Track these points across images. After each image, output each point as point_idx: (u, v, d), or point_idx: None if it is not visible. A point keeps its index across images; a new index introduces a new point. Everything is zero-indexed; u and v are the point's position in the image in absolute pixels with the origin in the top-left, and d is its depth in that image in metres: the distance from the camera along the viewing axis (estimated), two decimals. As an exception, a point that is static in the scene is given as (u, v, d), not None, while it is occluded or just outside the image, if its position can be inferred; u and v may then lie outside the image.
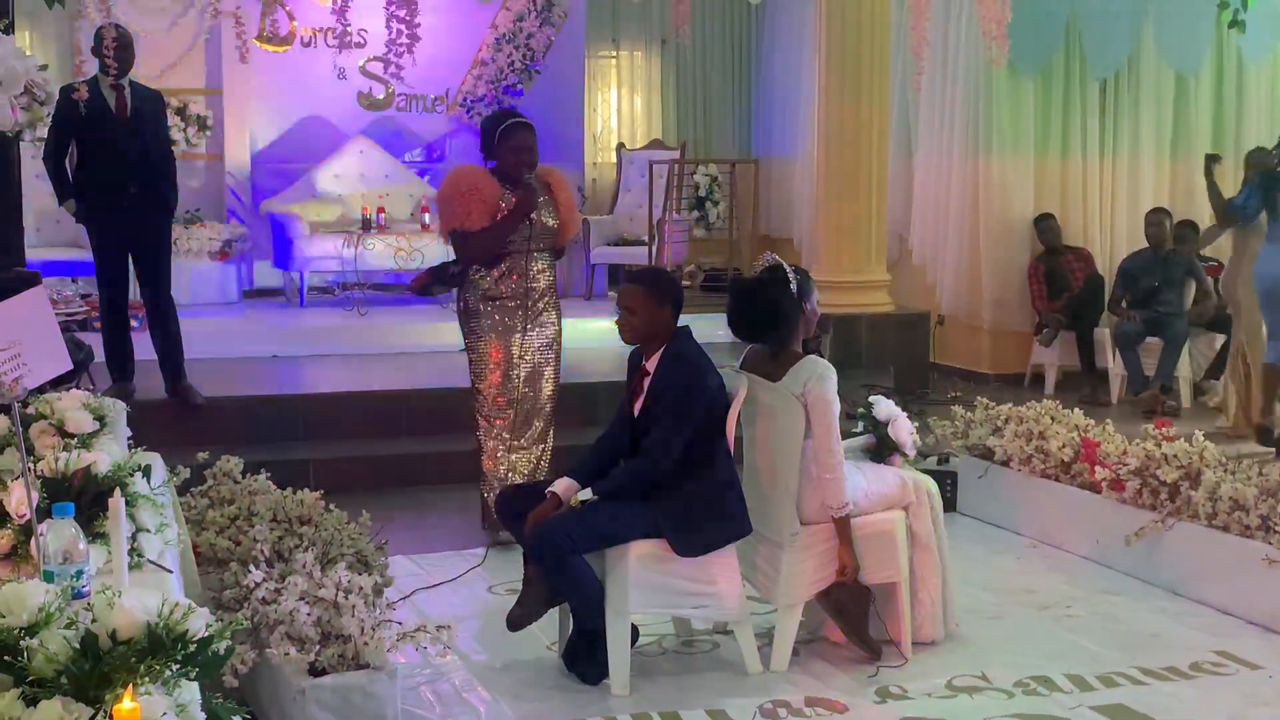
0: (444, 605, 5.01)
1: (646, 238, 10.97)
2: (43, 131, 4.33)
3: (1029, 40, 9.25)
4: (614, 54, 12.82)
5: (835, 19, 9.04)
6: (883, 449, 4.93)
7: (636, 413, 4.43)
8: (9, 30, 4.58)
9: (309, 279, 10.75)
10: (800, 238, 11.54)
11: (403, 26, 11.38)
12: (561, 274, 11.45)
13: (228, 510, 4.65)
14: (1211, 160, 8.44)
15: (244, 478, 4.91)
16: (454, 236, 5.77)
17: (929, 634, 4.65)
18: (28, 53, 4.26)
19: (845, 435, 4.64)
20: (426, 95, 11.49)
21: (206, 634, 2.27)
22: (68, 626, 2.24)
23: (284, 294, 10.98)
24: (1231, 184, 10.11)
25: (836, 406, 4.42)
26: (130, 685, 2.09)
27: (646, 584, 4.25)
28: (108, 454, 3.40)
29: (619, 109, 12.92)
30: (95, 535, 3.02)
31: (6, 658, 2.17)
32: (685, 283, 10.66)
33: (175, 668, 2.21)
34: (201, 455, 5.00)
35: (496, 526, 5.87)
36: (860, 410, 5.08)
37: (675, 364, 4.34)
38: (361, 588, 3.76)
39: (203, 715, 2.26)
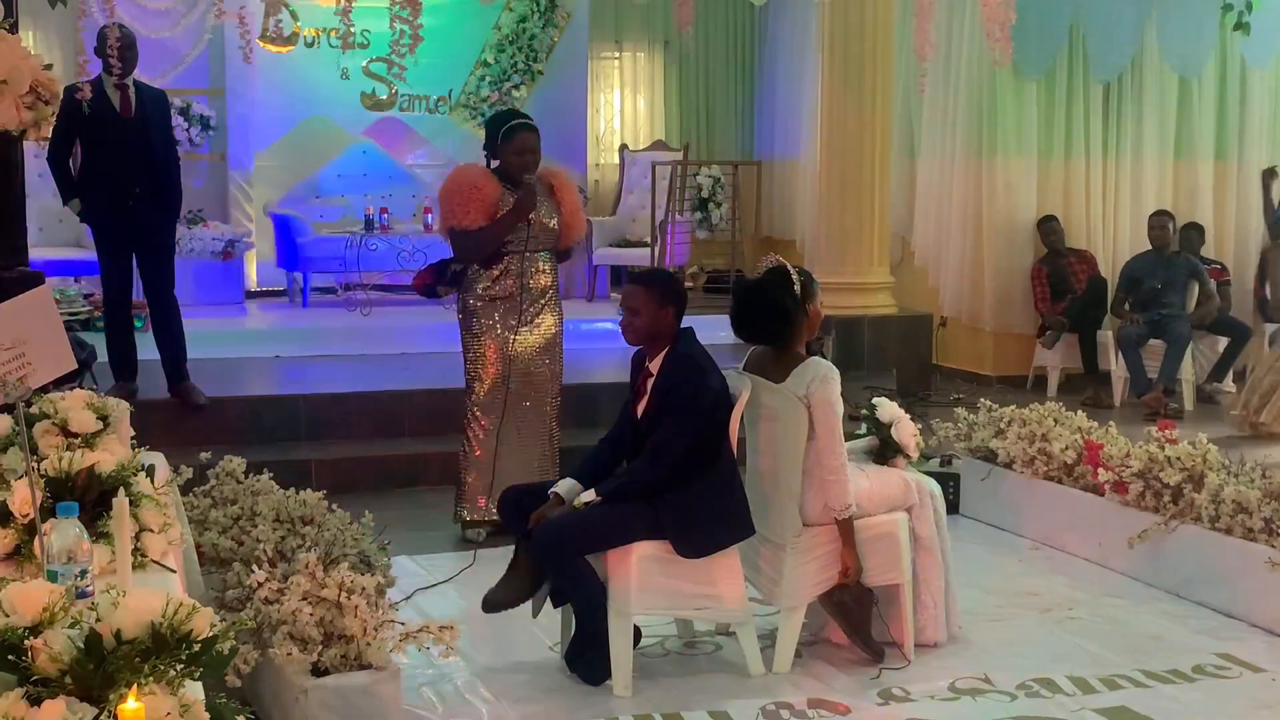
0: (446, 605, 5.01)
1: (649, 239, 10.98)
2: (47, 131, 4.32)
3: (1032, 42, 9.25)
4: (617, 55, 12.83)
5: (838, 21, 9.04)
6: (886, 451, 4.93)
7: (640, 414, 4.43)
8: (13, 29, 4.57)
9: (312, 279, 10.76)
10: (803, 239, 11.54)
11: (406, 27, 11.37)
12: (564, 275, 11.53)
13: (230, 510, 4.65)
14: (1269, 175, 8.43)
15: (247, 478, 4.91)
16: (452, 235, 5.80)
17: (931, 636, 4.65)
18: (32, 52, 4.25)
19: (848, 437, 4.64)
20: (429, 96, 11.49)
21: (210, 634, 2.27)
22: (71, 626, 2.24)
23: (287, 294, 10.99)
24: (1239, 190, 10.15)
25: (839, 408, 4.42)
26: (134, 685, 2.09)
27: (649, 585, 4.25)
28: (111, 454, 3.40)
29: (622, 110, 12.93)
30: (99, 535, 3.02)
31: (10, 657, 2.17)
32: (688, 284, 10.67)
33: (179, 667, 2.21)
34: (204, 455, 4.99)
35: (465, 523, 5.93)
36: (863, 412, 5.08)
37: (678, 365, 4.34)
38: (364, 588, 3.76)
39: (206, 715, 2.25)
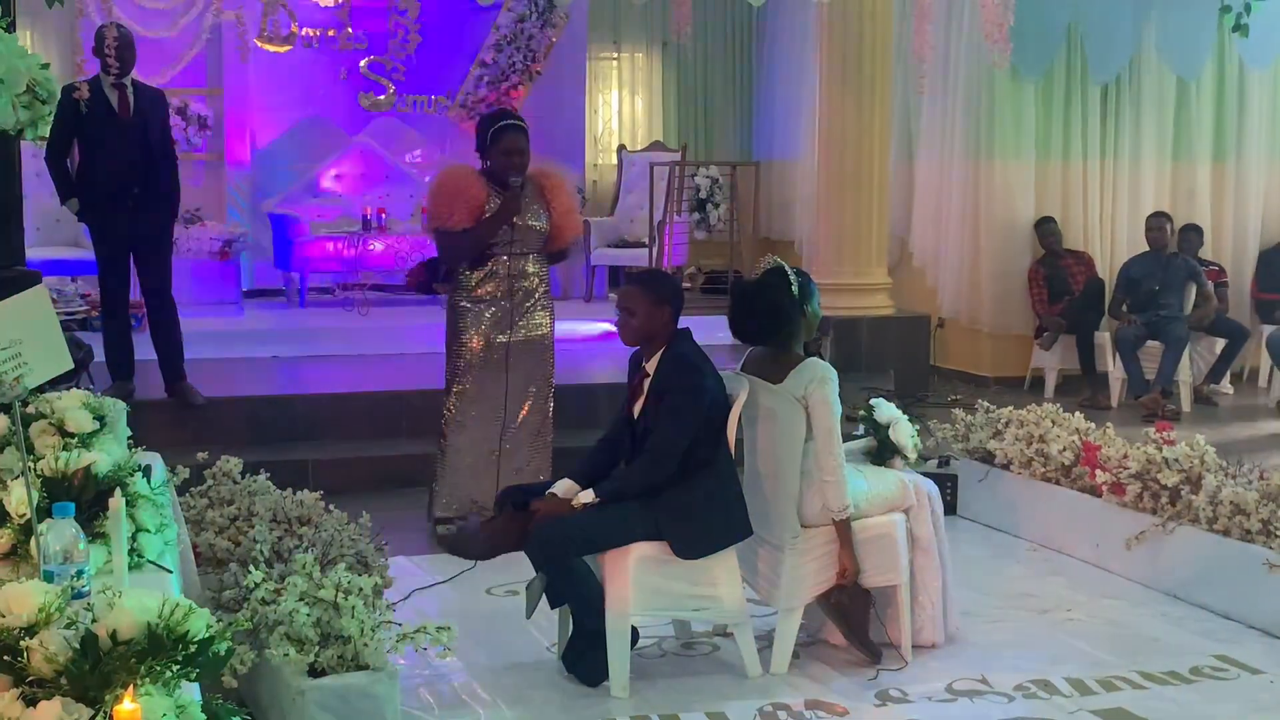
0: (443, 606, 5.01)
1: (647, 240, 10.98)
2: (44, 130, 4.32)
3: (1031, 44, 9.24)
4: (615, 56, 12.82)
5: (837, 22, 9.03)
6: (883, 452, 4.93)
7: (636, 414, 4.43)
8: (10, 29, 4.56)
9: (309, 279, 10.75)
10: (801, 240, 11.54)
11: (404, 27, 11.38)
12: (562, 276, 11.56)
13: (227, 510, 4.65)
14: None
15: (244, 478, 4.90)
16: (437, 235, 5.83)
17: (929, 637, 4.64)
18: (29, 51, 4.24)
19: (846, 438, 4.64)
20: (428, 96, 11.49)
21: (207, 635, 2.26)
22: (68, 626, 2.23)
23: (284, 294, 10.99)
24: (1237, 192, 10.15)
25: (837, 409, 4.42)
26: (130, 686, 2.08)
27: (646, 586, 4.25)
28: (108, 454, 3.39)
29: (620, 111, 12.93)
30: (95, 535, 3.01)
31: (6, 658, 2.17)
32: (685, 285, 10.67)
33: (175, 668, 2.21)
34: (201, 455, 4.99)
35: (438, 520, 5.96)
36: (861, 413, 5.08)
37: (675, 365, 4.34)
38: (361, 589, 3.75)
39: (203, 716, 2.25)
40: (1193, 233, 9.61)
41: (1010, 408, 6.47)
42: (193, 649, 2.23)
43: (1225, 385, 9.42)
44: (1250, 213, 10.22)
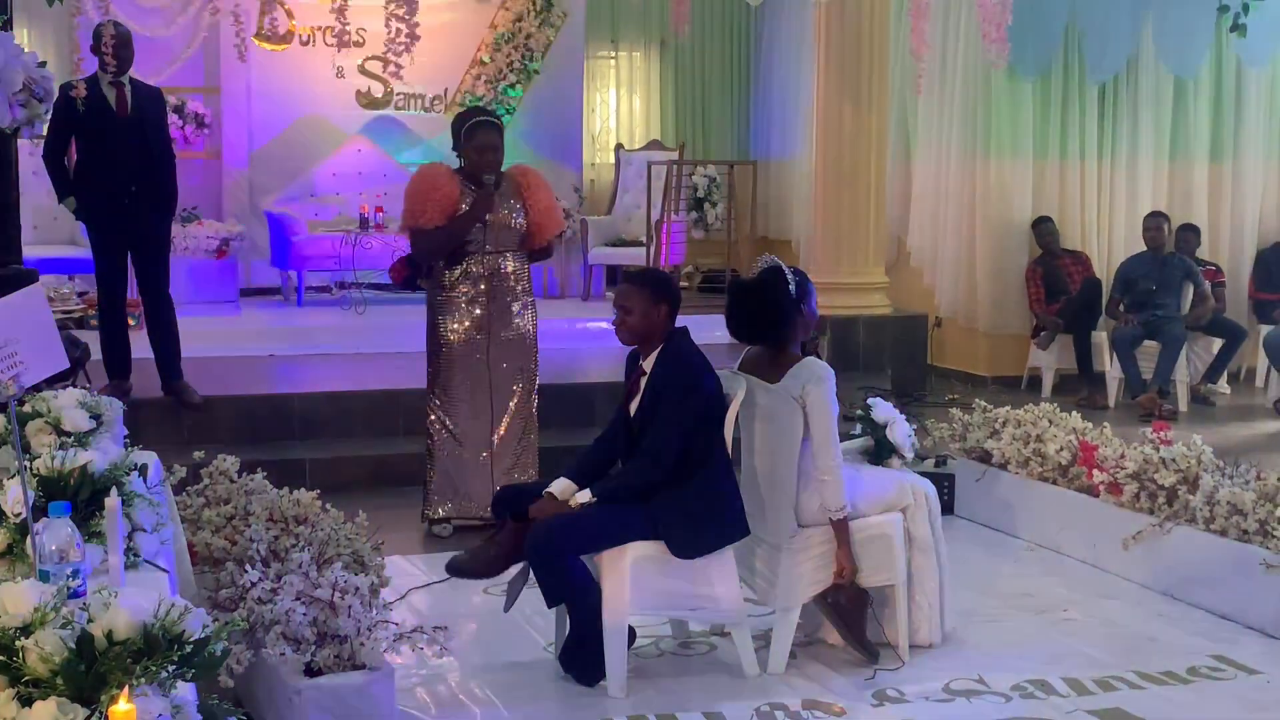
0: (440, 606, 5.00)
1: (645, 239, 10.98)
2: (42, 128, 4.31)
3: (1028, 43, 9.24)
4: (613, 54, 12.83)
5: (834, 21, 9.03)
6: (881, 451, 4.93)
7: (633, 413, 4.42)
8: (7, 27, 4.57)
9: (307, 278, 10.75)
10: (798, 240, 11.54)
11: (402, 25, 11.36)
12: (559, 274, 11.57)
13: (224, 510, 4.64)
14: None
15: (240, 477, 4.90)
16: (411, 234, 5.86)
17: (926, 637, 4.64)
18: (26, 49, 4.24)
19: (843, 437, 4.64)
20: (425, 94, 11.49)
21: (203, 634, 2.26)
22: (63, 626, 2.23)
23: (281, 293, 10.99)
24: (1234, 192, 10.15)
25: (835, 408, 4.41)
26: (126, 686, 2.08)
27: (644, 586, 4.24)
28: (104, 453, 3.39)
29: (617, 109, 12.93)
30: (91, 534, 3.01)
31: (1, 658, 2.16)
32: (683, 284, 10.67)
33: (171, 668, 2.20)
34: (198, 454, 4.99)
35: (431, 520, 5.98)
36: (858, 412, 5.08)
37: (672, 364, 4.34)
38: (358, 588, 3.75)
39: (198, 716, 2.24)
40: (1190, 232, 9.62)
41: (1007, 407, 6.47)
42: (188, 649, 2.23)
43: (1222, 385, 9.42)
44: (1247, 212, 10.23)
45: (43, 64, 4.20)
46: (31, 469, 3.17)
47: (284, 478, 5.03)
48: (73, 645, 2.17)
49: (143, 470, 3.50)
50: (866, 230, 9.16)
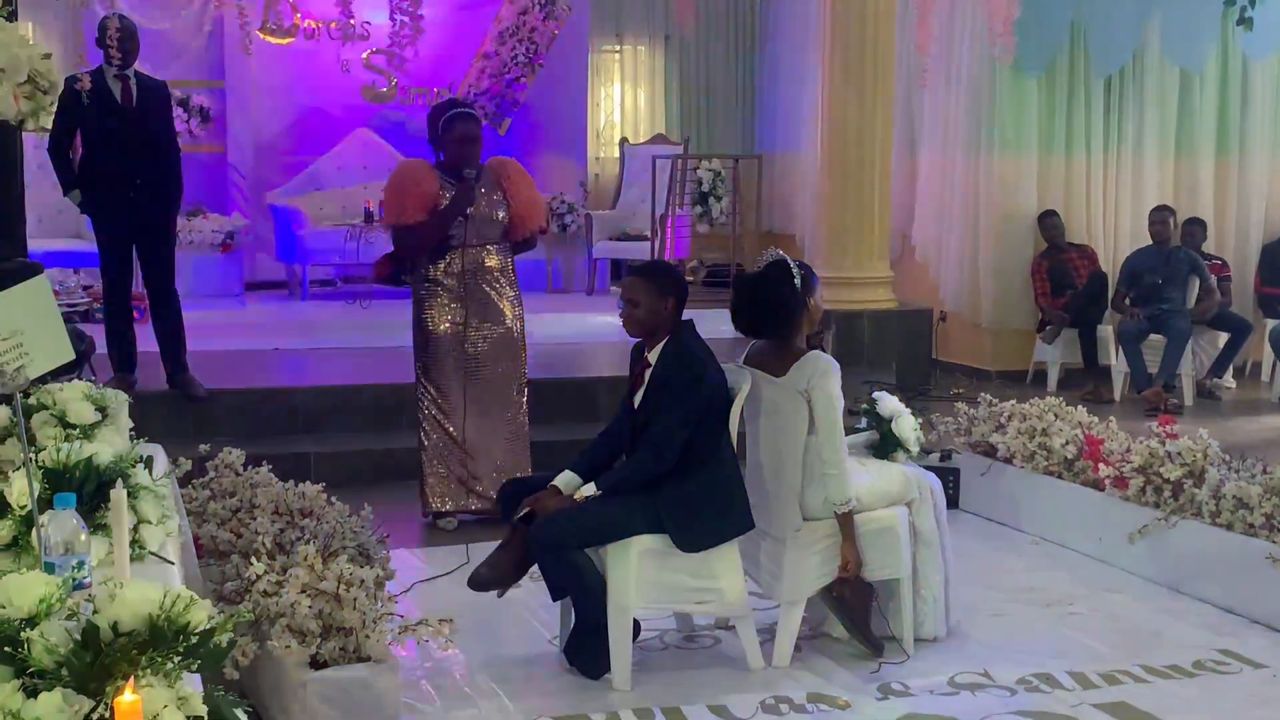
0: (445, 599, 4.99)
1: (649, 233, 10.97)
2: (46, 121, 4.31)
3: (1034, 37, 9.23)
4: (617, 48, 12.81)
5: (839, 14, 9.01)
6: (886, 445, 4.92)
7: (637, 405, 4.42)
8: (12, 19, 4.56)
9: (311, 272, 10.76)
10: (803, 234, 11.53)
11: (406, 19, 11.37)
12: (563, 268, 11.56)
13: (229, 502, 4.64)
14: None
15: (245, 470, 4.90)
16: (393, 230, 5.87)
17: (931, 631, 4.64)
18: (31, 42, 4.23)
19: (848, 431, 4.63)
20: (430, 88, 11.49)
21: (208, 626, 2.26)
22: (69, 618, 2.23)
23: (286, 286, 10.99)
24: (1240, 185, 10.13)
25: (840, 402, 4.41)
26: (131, 677, 2.08)
27: (648, 579, 4.24)
28: (109, 445, 3.39)
29: (622, 103, 12.91)
30: (97, 526, 3.01)
31: (7, 649, 2.16)
32: (687, 278, 10.65)
33: (176, 660, 2.20)
34: (203, 447, 4.98)
35: (436, 514, 5.98)
36: (863, 406, 5.07)
37: (677, 356, 4.33)
38: (363, 580, 3.75)
39: (204, 708, 2.24)
40: (1196, 226, 9.60)
41: (1013, 401, 6.47)
42: (194, 640, 2.23)
43: (1228, 379, 9.40)
44: (1253, 206, 10.21)
45: (47, 56, 4.18)
46: (37, 461, 3.17)
47: (289, 471, 5.04)
48: (78, 637, 2.17)
49: (148, 463, 3.51)
50: (871, 224, 9.15)
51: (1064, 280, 9.48)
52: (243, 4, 10.51)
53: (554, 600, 4.43)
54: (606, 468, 4.41)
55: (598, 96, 12.72)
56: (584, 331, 9.50)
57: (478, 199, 5.83)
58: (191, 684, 2.31)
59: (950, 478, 6.27)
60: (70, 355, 2.96)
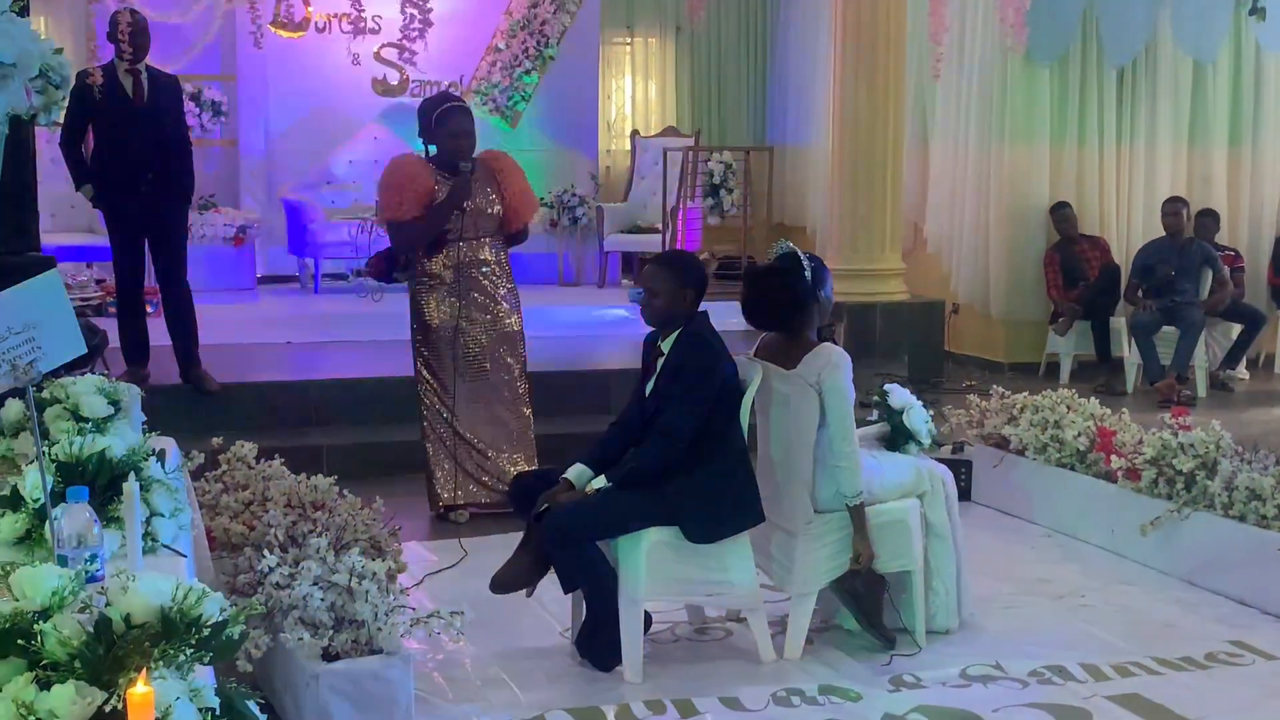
0: (456, 591, 5.00)
1: (660, 225, 10.97)
2: (58, 115, 4.33)
3: (1046, 28, 9.21)
4: (628, 40, 12.80)
5: (851, 5, 8.99)
6: (898, 437, 4.92)
7: (648, 393, 4.42)
8: (24, 13, 4.57)
9: (323, 265, 10.77)
10: (814, 226, 11.52)
11: (416, 12, 11.38)
12: (574, 261, 11.56)
13: (242, 495, 4.65)
14: None
15: (258, 463, 4.91)
16: (389, 227, 5.87)
17: (943, 623, 4.63)
18: (43, 36, 4.24)
19: (860, 424, 4.63)
20: (441, 81, 11.47)
21: (220, 618, 2.27)
22: (81, 610, 2.24)
23: (298, 280, 11.01)
24: (1253, 176, 10.10)
25: (851, 395, 4.40)
26: (144, 669, 2.08)
27: (660, 571, 4.24)
28: (122, 438, 3.40)
29: (633, 96, 12.91)
30: (109, 519, 3.02)
31: (20, 641, 2.17)
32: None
33: (189, 652, 2.21)
34: (215, 440, 5.00)
35: (447, 507, 5.98)
36: (875, 398, 5.07)
37: (690, 346, 4.33)
38: (375, 573, 3.76)
39: (216, 699, 2.25)
40: (1208, 218, 9.57)
41: (1025, 393, 6.46)
42: (206, 633, 2.24)
43: (1241, 371, 9.39)
44: (1266, 197, 10.18)
45: (59, 51, 4.19)
46: (50, 455, 3.18)
47: (301, 464, 5.04)
48: (91, 629, 2.18)
49: (160, 456, 3.52)
50: (883, 216, 9.13)
51: (1076, 272, 9.46)
52: (254, -2, 10.51)
53: (565, 593, 4.42)
54: (618, 459, 4.40)
55: (609, 89, 12.71)
56: (595, 324, 9.50)
57: (474, 192, 5.83)
58: (204, 676, 2.32)
59: (962, 470, 6.26)
60: (82, 349, 2.97)
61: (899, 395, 4.96)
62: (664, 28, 12.76)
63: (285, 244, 11.01)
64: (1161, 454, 5.45)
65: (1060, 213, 9.57)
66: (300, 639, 3.58)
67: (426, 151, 5.96)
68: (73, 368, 3.78)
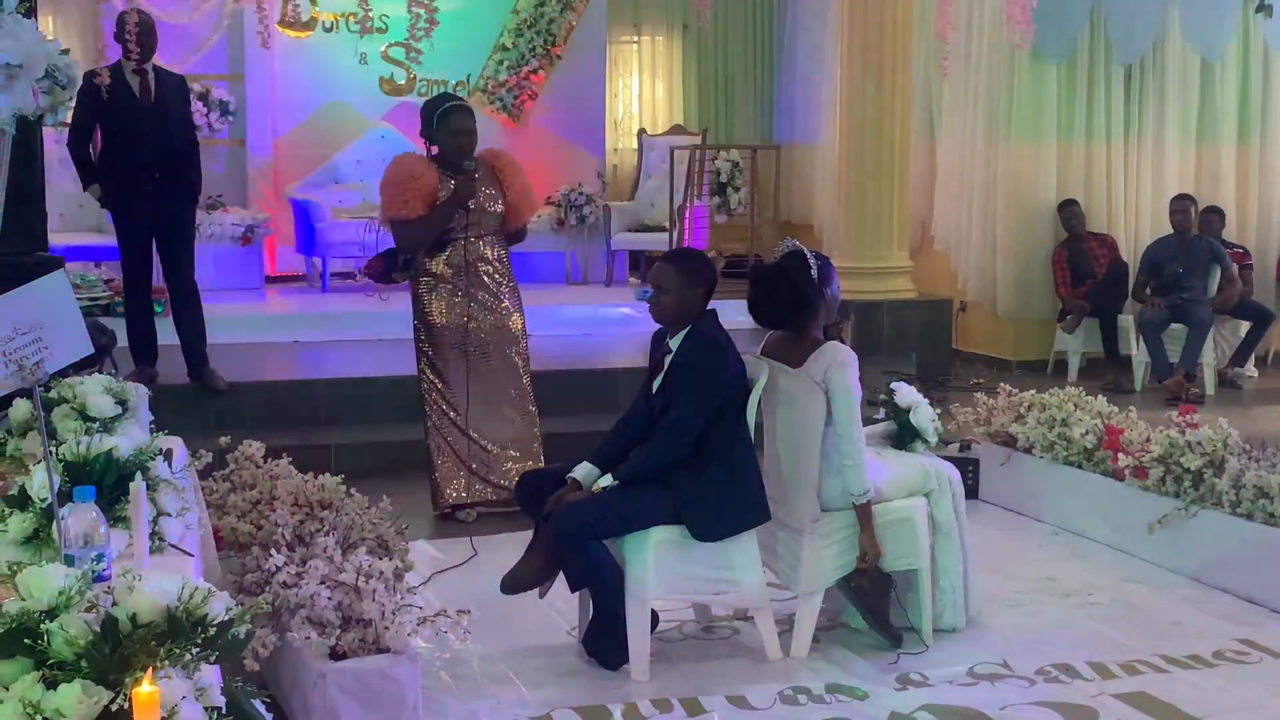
0: (464, 590, 5.01)
1: (667, 224, 10.95)
2: (66, 116, 4.33)
3: (1054, 25, 9.20)
4: (635, 39, 12.79)
5: (858, 3, 8.99)
6: (904, 436, 4.91)
7: (655, 390, 4.42)
8: (31, 14, 4.58)
9: (331, 264, 10.77)
10: (821, 224, 11.51)
11: (423, 11, 11.37)
12: (581, 260, 11.56)
13: (249, 495, 4.66)
14: None
15: (265, 462, 4.91)
16: (392, 226, 5.86)
17: (950, 621, 4.63)
18: (50, 37, 4.25)
19: (866, 422, 4.63)
20: (448, 81, 11.47)
21: (226, 618, 2.27)
22: (88, 610, 2.24)
23: (306, 279, 11.01)
24: (1261, 174, 10.08)
25: (858, 393, 4.40)
26: (150, 668, 2.09)
27: (666, 570, 4.25)
28: (129, 438, 3.40)
29: (640, 94, 12.89)
30: (116, 519, 3.03)
31: (27, 641, 2.18)
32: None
33: (195, 651, 2.22)
34: (223, 439, 5.00)
35: (453, 505, 5.98)
36: (882, 397, 5.06)
37: (698, 343, 4.33)
38: (382, 572, 3.76)
39: (222, 699, 2.26)
40: (1213, 215, 9.56)
41: (1032, 391, 6.45)
42: (212, 632, 2.24)
43: (1249, 368, 9.37)
44: (1275, 194, 10.17)
45: (66, 51, 4.20)
46: (57, 454, 3.19)
47: (309, 463, 5.05)
48: (97, 628, 2.19)
49: (168, 455, 3.52)
50: (890, 214, 9.13)
51: (1084, 269, 9.45)
52: (261, -3, 10.51)
53: (572, 591, 4.43)
54: (625, 457, 4.40)
55: (615, 87, 12.69)
56: (602, 322, 9.49)
57: (477, 190, 5.84)
58: (210, 675, 2.33)
59: (969, 468, 6.25)
60: (88, 350, 2.98)
61: (906, 393, 4.95)
62: (671, 26, 12.74)
63: (293, 243, 11.02)
64: (1169, 452, 5.44)
65: (1068, 210, 9.56)
66: (307, 638, 3.59)
67: (428, 151, 5.97)
68: (81, 367, 3.79)
